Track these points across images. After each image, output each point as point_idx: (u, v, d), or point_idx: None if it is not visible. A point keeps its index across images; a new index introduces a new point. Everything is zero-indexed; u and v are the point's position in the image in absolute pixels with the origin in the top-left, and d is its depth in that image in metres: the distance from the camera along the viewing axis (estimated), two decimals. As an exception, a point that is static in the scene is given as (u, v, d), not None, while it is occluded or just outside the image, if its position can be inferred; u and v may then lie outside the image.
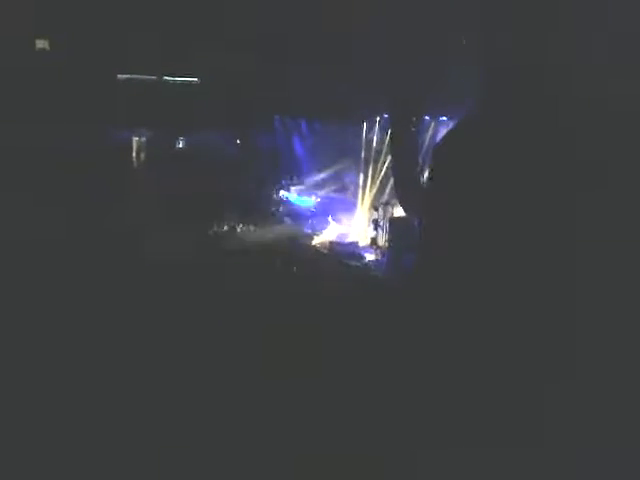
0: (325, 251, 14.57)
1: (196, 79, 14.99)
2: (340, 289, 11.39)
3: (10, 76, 12.84)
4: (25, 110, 12.80)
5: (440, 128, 15.16)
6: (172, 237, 12.15)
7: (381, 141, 16.09)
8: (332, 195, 16.48)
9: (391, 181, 15.20)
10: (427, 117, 14.94)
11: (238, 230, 15.01)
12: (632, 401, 5.58)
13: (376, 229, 14.89)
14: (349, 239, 15.31)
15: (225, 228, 14.93)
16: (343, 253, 14.24)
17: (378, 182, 15.76)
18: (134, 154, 15.52)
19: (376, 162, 16.02)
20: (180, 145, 16.44)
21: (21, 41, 13.52)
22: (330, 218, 15.73)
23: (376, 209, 15.11)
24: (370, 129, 16.35)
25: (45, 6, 13.01)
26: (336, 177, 16.60)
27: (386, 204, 15.05)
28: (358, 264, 13.73)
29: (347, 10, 11.95)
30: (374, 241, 14.64)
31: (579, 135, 6.65)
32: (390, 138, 15.09)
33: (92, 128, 13.48)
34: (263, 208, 16.07)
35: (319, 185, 16.29)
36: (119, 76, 14.36)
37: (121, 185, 13.92)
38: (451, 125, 14.60)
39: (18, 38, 13.33)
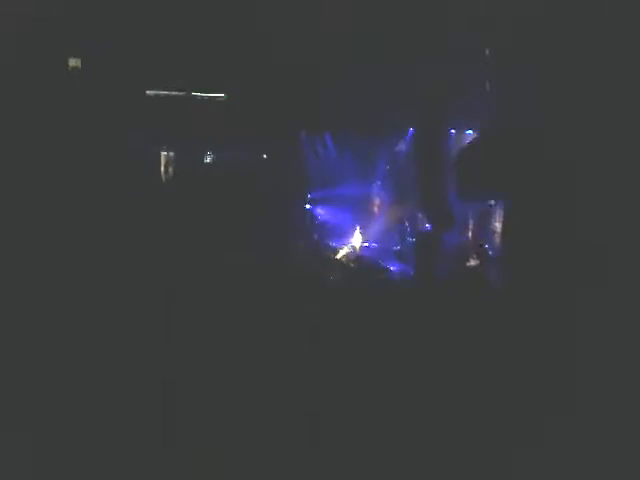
0: (351, 264, 14.55)
1: (223, 95, 15.22)
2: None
3: (42, 93, 13.18)
4: (57, 127, 13.12)
5: (466, 141, 15.14)
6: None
7: (407, 154, 16.08)
8: (358, 208, 16.45)
9: (416, 194, 15.17)
10: (453, 130, 14.91)
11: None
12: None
13: (401, 242, 14.85)
14: (374, 252, 15.27)
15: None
16: (368, 265, 14.21)
17: (404, 195, 15.72)
18: (162, 168, 15.79)
19: (402, 175, 15.99)
20: (208, 160, 16.66)
21: (54, 59, 13.90)
22: (357, 230, 15.72)
23: (402, 222, 15.07)
24: (396, 142, 16.36)
25: (76, 25, 13.36)
26: (361, 191, 16.59)
27: (412, 217, 15.02)
28: (383, 277, 13.68)
29: (372, 20, 12.05)
30: (400, 254, 14.59)
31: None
32: (416, 151, 15.10)
33: (120, 143, 13.75)
34: (289, 222, 16.13)
35: (344, 199, 16.28)
36: (148, 92, 14.65)
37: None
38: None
39: (51, 56, 13.71)
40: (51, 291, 9.30)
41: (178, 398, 6.55)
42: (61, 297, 9.27)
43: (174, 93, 15.02)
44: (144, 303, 9.46)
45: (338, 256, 14.92)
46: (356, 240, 15.66)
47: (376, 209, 16.99)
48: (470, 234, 15.00)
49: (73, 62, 14.32)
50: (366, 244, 15.48)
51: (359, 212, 16.31)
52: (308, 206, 16.66)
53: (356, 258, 14.73)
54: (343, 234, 15.81)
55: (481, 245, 14.19)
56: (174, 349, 7.87)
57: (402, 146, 16.38)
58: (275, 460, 5.41)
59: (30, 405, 5.86)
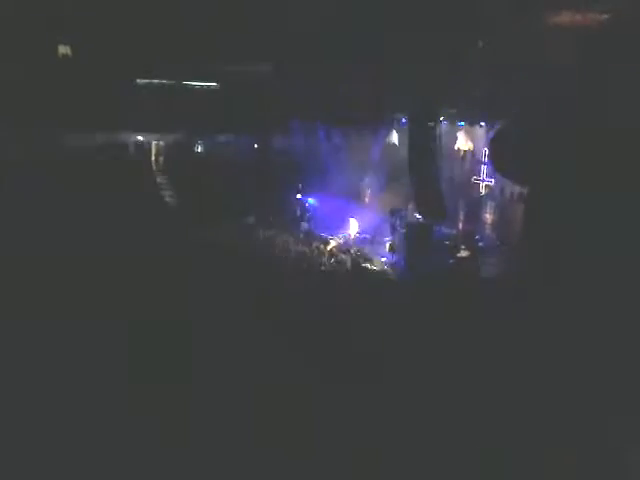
0: (342, 255, 14.58)
1: (215, 84, 15.14)
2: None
3: (32, 81, 13.07)
4: (46, 114, 13.02)
5: (457, 132, 15.19)
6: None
7: (399, 144, 16.08)
8: (348, 198, 16.42)
9: (408, 185, 15.21)
10: (445, 121, 14.93)
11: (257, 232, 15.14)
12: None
13: (393, 233, 14.87)
14: (365, 243, 15.29)
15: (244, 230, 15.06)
16: (359, 256, 14.24)
17: (395, 186, 15.72)
18: (153, 157, 15.71)
19: (394, 166, 15.98)
20: (199, 149, 16.58)
21: (44, 47, 13.76)
22: (349, 221, 15.70)
23: (393, 214, 15.07)
24: (388, 132, 16.35)
25: (67, 13, 13.23)
26: (353, 180, 16.57)
27: (402, 209, 15.05)
28: (375, 267, 13.74)
29: (366, 11, 12.03)
30: (391, 246, 14.61)
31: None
32: (409, 142, 15.10)
33: (112, 132, 13.68)
34: (280, 211, 16.12)
35: (336, 189, 16.24)
36: (139, 81, 14.54)
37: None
38: (472, 130, 14.70)
39: (41, 45, 13.58)
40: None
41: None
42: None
43: (165, 82, 14.92)
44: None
45: (329, 247, 14.93)
46: (348, 231, 15.66)
47: (368, 199, 16.99)
48: (461, 225, 15.06)
49: (63, 49, 14.19)
50: (357, 234, 15.48)
51: (351, 203, 16.29)
52: (299, 196, 16.63)
53: (347, 249, 14.75)
54: (334, 225, 15.79)
55: (474, 238, 14.27)
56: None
57: (394, 136, 16.37)
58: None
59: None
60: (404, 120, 15.50)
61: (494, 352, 7.63)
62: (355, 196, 16.78)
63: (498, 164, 11.60)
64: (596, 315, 7.40)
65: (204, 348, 7.67)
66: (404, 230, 14.60)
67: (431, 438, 5.77)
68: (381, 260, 14.20)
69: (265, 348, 7.82)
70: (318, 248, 14.74)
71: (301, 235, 15.42)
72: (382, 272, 13.59)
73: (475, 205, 14.94)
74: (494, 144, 11.22)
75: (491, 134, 12.86)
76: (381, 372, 7.37)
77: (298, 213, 16.30)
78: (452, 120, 14.95)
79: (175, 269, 10.64)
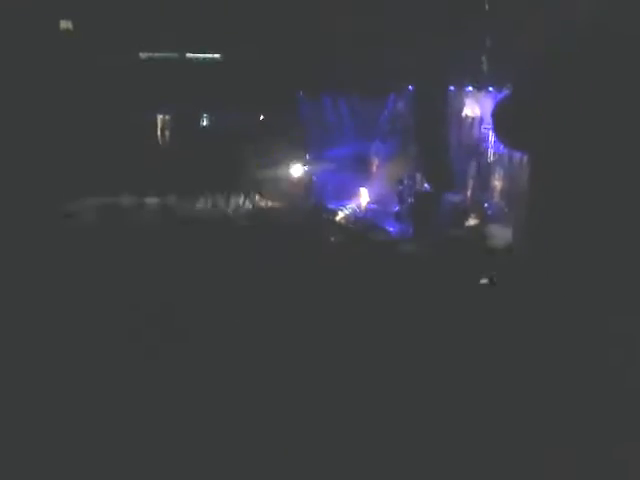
0: (351, 225, 14.57)
1: (218, 56, 14.96)
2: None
3: (36, 57, 13.00)
4: (51, 89, 12.99)
5: (466, 99, 14.94)
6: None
7: (406, 113, 15.87)
8: (356, 168, 16.29)
9: (416, 153, 15.07)
10: (452, 88, 14.70)
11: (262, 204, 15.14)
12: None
13: (400, 203, 14.80)
14: (373, 213, 15.24)
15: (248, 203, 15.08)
16: (368, 226, 14.22)
17: (403, 155, 15.56)
18: (159, 132, 15.64)
19: (401, 135, 15.81)
20: (204, 123, 16.46)
21: (45, 22, 13.65)
22: (363, 189, 15.60)
23: (401, 182, 14.97)
24: (394, 101, 16.13)
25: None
26: (360, 151, 16.42)
27: (410, 177, 14.93)
28: (383, 237, 13.72)
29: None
30: (398, 215, 14.56)
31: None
32: (415, 109, 14.92)
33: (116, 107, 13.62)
34: (288, 183, 16.05)
35: (343, 159, 16.12)
36: (141, 54, 14.40)
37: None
38: (480, 95, 14.45)
39: (43, 19, 13.47)
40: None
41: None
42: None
43: (168, 55, 14.76)
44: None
45: (337, 217, 14.92)
46: (358, 201, 15.59)
47: (375, 169, 16.86)
48: (469, 193, 14.92)
49: (65, 24, 14.07)
50: (367, 205, 15.42)
51: (358, 172, 16.17)
52: (306, 167, 16.52)
53: (355, 219, 14.73)
54: (342, 195, 15.73)
55: (483, 206, 14.16)
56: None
57: (401, 104, 16.14)
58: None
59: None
60: (411, 87, 15.28)
61: (497, 329, 7.58)
62: (363, 166, 16.64)
63: (502, 136, 11.43)
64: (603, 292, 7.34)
65: (206, 328, 7.66)
66: (412, 199, 14.54)
67: (431, 422, 5.75)
68: (389, 230, 14.17)
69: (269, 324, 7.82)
70: (327, 219, 14.74)
71: (309, 207, 15.39)
72: (390, 242, 13.56)
73: (484, 172, 14.79)
74: (497, 115, 11.02)
75: (495, 103, 12.63)
76: (381, 347, 7.34)
77: (306, 185, 16.23)
78: (460, 85, 14.71)
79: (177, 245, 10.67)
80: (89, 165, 13.04)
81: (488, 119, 14.43)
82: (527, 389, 6.07)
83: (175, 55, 14.72)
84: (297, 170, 16.09)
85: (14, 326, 7.29)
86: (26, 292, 8.33)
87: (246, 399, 5.98)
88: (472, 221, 13.73)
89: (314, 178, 16.29)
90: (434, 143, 14.65)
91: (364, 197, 15.69)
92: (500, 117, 10.62)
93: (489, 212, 14.05)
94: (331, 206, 15.43)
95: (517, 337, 7.20)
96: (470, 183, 14.97)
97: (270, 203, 15.29)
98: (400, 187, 14.95)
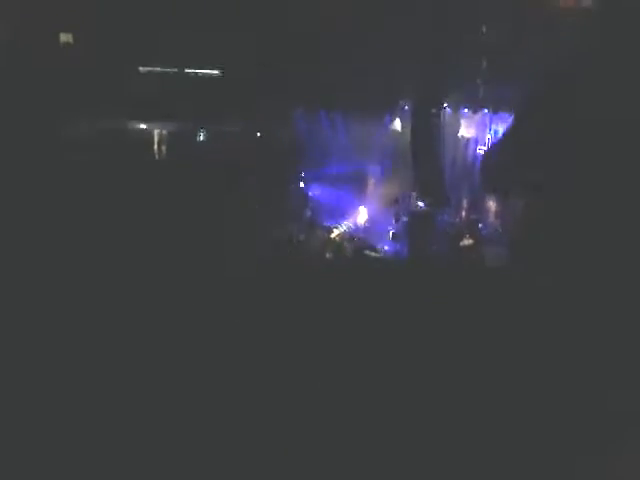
0: (346, 243, 14.56)
1: (217, 72, 15.04)
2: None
3: (34, 69, 13.03)
4: (49, 103, 12.99)
5: (461, 120, 15.08)
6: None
7: (402, 132, 15.96)
8: (352, 187, 16.33)
9: (411, 172, 15.13)
10: (448, 109, 14.83)
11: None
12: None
13: (396, 221, 14.82)
14: (368, 232, 15.25)
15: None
16: (364, 245, 14.22)
17: (398, 174, 15.63)
18: (155, 146, 15.64)
19: (397, 154, 15.89)
20: (201, 138, 16.48)
21: (46, 35, 13.71)
22: (361, 207, 15.63)
23: (396, 202, 15.02)
24: (391, 120, 16.22)
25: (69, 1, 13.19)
26: (356, 169, 16.46)
27: (405, 197, 14.98)
28: (378, 255, 13.73)
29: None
30: (394, 234, 14.57)
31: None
32: (412, 129, 15.01)
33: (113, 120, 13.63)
34: (283, 200, 16.03)
35: (339, 177, 16.17)
36: (141, 69, 14.47)
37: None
38: (475, 117, 14.61)
39: (43, 32, 13.53)
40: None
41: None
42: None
43: (167, 70, 14.83)
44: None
45: (332, 235, 14.90)
46: (354, 219, 15.61)
47: (370, 188, 16.89)
48: (464, 214, 15.00)
49: (65, 37, 14.13)
50: (363, 223, 15.43)
51: (353, 191, 16.20)
52: (302, 184, 16.54)
53: (350, 238, 14.73)
54: (337, 213, 15.74)
55: (477, 225, 14.23)
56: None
57: (397, 124, 16.23)
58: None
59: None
60: (407, 107, 15.40)
61: (495, 342, 7.59)
62: (358, 184, 16.68)
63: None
64: (599, 306, 7.36)
65: (206, 342, 7.63)
66: (407, 218, 14.57)
67: (430, 431, 5.74)
68: (384, 248, 14.17)
69: (265, 339, 7.78)
70: (321, 237, 14.73)
71: (304, 224, 15.38)
72: (384, 260, 13.57)
73: (478, 193, 14.88)
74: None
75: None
76: (381, 361, 7.34)
77: (301, 202, 16.23)
78: (455, 107, 14.86)
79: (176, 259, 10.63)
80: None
81: (483, 140, 14.59)
82: (527, 402, 6.06)
83: (174, 70, 14.79)
84: (293, 186, 16.11)
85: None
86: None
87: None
88: (466, 241, 13.77)
89: (310, 195, 16.31)
90: (430, 163, 14.73)
91: (359, 215, 15.71)
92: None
93: (483, 232, 14.11)
94: (326, 224, 15.43)
95: (510, 354, 7.21)
96: (464, 203, 15.06)
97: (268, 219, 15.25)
98: (395, 206, 15.00)
